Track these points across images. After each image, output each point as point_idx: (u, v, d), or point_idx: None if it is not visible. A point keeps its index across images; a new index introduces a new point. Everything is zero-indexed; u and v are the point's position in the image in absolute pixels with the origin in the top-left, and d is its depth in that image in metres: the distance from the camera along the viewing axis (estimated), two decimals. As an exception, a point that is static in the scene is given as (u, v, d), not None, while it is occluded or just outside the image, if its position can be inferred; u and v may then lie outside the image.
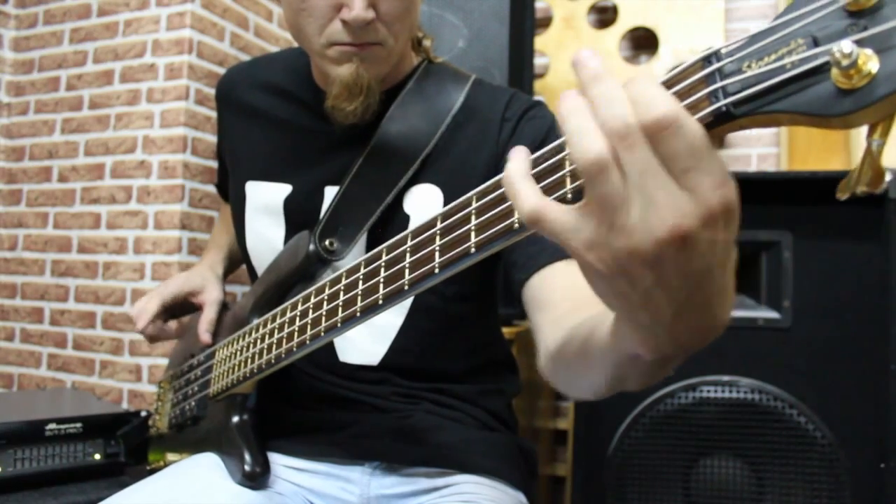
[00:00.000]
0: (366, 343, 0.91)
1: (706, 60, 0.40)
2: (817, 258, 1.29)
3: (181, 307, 1.06)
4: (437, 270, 0.55)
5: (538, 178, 0.46)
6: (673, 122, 0.36)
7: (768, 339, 1.30)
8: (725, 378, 1.30)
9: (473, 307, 0.93)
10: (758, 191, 1.33)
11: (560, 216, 0.41)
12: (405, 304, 0.90)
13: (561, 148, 0.46)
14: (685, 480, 1.31)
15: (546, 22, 2.17)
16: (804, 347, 1.28)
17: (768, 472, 1.28)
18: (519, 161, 0.44)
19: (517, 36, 1.60)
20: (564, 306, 0.70)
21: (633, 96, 0.37)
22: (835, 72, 0.35)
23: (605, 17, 2.20)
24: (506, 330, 1.09)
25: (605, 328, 0.52)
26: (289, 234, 0.93)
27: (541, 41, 2.12)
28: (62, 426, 1.14)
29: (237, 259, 1.15)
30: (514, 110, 0.90)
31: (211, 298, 1.03)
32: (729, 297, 0.43)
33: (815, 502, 1.25)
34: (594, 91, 0.39)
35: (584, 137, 0.38)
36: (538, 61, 2.10)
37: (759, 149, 2.09)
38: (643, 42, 2.17)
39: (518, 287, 0.82)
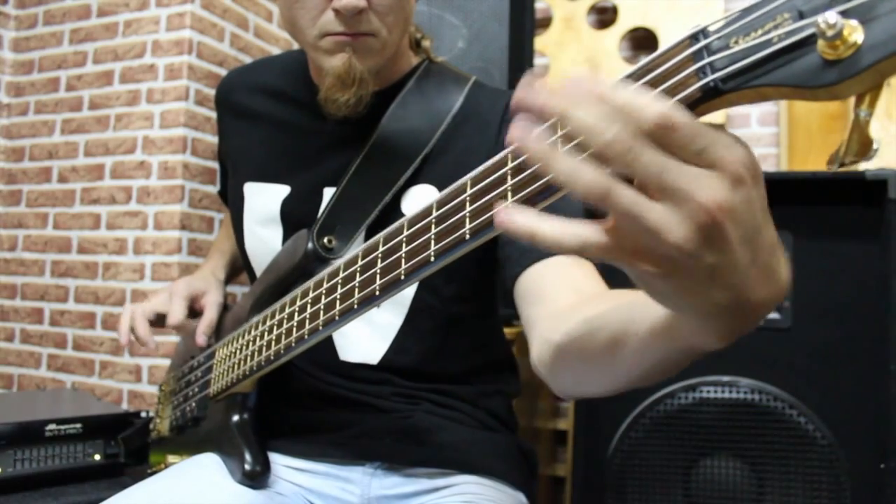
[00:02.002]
0: (366, 342, 0.91)
1: (693, 38, 0.41)
2: (817, 258, 1.29)
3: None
4: (432, 259, 0.55)
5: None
6: (669, 118, 0.37)
7: (768, 339, 1.30)
8: (725, 378, 1.30)
9: (473, 308, 0.93)
10: (758, 191, 1.33)
11: (599, 239, 0.40)
12: (404, 304, 0.90)
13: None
14: (685, 480, 1.31)
15: (546, 22, 2.17)
16: (804, 347, 1.28)
17: (768, 472, 1.27)
18: (522, 213, 0.42)
19: (517, 36, 1.60)
20: (566, 300, 0.69)
21: (620, 110, 0.38)
22: (820, 43, 0.36)
23: (605, 17, 2.20)
24: (506, 330, 1.09)
25: (649, 323, 0.50)
26: (286, 236, 0.93)
27: (541, 41, 2.12)
28: (62, 427, 1.13)
29: (239, 265, 1.15)
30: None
31: (211, 300, 1.03)
32: (782, 252, 0.43)
33: (815, 502, 1.25)
34: (577, 119, 0.38)
35: (580, 177, 0.38)
36: (538, 61, 2.11)
37: (760, 149, 2.09)
38: (643, 42, 2.17)
39: (511, 281, 0.80)
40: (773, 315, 1.30)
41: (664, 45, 0.43)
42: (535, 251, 0.78)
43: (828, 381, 1.27)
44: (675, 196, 0.37)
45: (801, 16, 0.37)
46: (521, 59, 1.62)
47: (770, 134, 2.08)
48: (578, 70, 0.41)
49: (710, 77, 0.39)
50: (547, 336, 0.66)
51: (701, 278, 0.40)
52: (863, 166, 1.56)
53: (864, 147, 0.38)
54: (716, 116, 2.03)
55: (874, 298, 1.26)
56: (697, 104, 0.40)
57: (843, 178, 1.30)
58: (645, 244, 0.39)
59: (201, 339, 0.98)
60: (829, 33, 0.35)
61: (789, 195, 1.30)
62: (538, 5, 2.05)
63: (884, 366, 1.24)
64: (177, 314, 0.99)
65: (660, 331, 0.49)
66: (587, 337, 0.60)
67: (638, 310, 0.52)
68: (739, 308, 0.42)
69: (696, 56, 0.40)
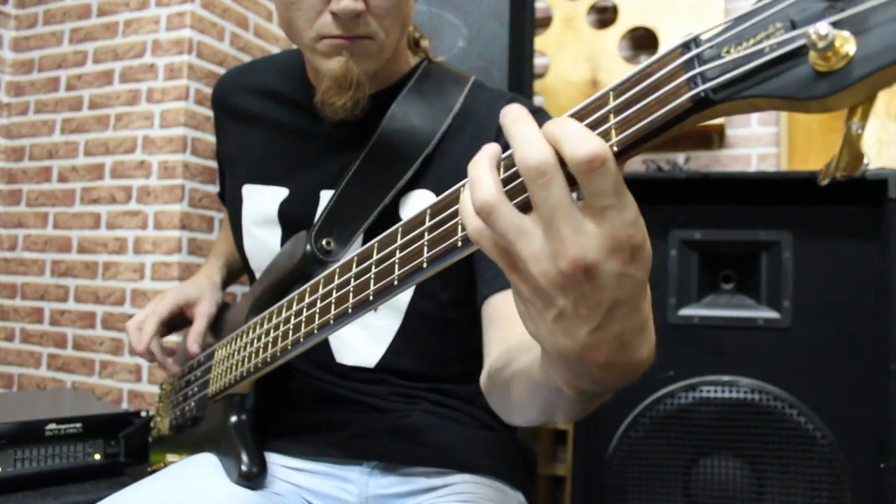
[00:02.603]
0: (362, 345, 0.91)
1: (685, 46, 0.40)
2: (817, 258, 1.29)
3: (179, 319, 1.06)
4: (425, 265, 0.55)
5: (515, 177, 0.46)
6: (604, 161, 0.38)
7: (768, 339, 1.30)
8: (725, 378, 1.30)
9: (469, 313, 0.93)
10: (758, 191, 1.33)
11: (512, 218, 0.42)
12: (401, 309, 0.90)
13: None
14: (685, 480, 1.31)
15: (546, 22, 2.17)
16: (804, 347, 1.28)
17: (768, 472, 1.27)
18: (491, 148, 0.46)
19: (517, 36, 1.60)
20: (515, 330, 0.70)
21: (562, 134, 0.39)
22: (812, 54, 0.35)
23: (605, 17, 2.20)
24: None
25: (535, 358, 0.54)
26: (285, 237, 0.93)
27: (541, 41, 2.12)
28: (62, 426, 1.14)
29: (237, 267, 1.15)
30: None
31: (201, 311, 1.03)
32: (645, 338, 0.45)
33: (815, 502, 1.25)
34: (513, 130, 0.41)
35: (475, 187, 0.43)
36: (538, 61, 2.10)
37: (759, 149, 2.09)
38: (643, 42, 2.17)
39: (480, 300, 0.82)
40: (773, 315, 1.30)
41: (663, 45, 0.43)
42: (503, 276, 0.78)
43: (828, 381, 1.27)
44: (555, 236, 0.40)
45: (794, 26, 0.36)
46: (521, 58, 1.62)
47: (770, 134, 2.08)
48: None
49: (702, 87, 0.39)
50: (490, 361, 0.71)
51: (550, 315, 0.43)
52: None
53: (856, 161, 0.38)
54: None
55: (874, 298, 1.26)
56: (689, 114, 0.40)
57: (842, 179, 1.29)
58: (519, 263, 0.43)
59: (193, 347, 0.99)
60: (821, 44, 0.34)
61: (789, 195, 1.30)
62: (538, 5, 2.04)
63: (884, 366, 1.24)
64: (142, 342, 0.99)
65: (538, 366, 0.53)
66: (504, 367, 0.64)
67: (534, 344, 0.54)
68: (580, 361, 0.44)
69: (688, 65, 0.40)
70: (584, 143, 0.38)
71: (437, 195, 0.89)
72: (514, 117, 0.42)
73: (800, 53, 0.36)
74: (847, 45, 0.34)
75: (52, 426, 1.13)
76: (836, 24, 0.34)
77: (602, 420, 1.35)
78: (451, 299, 0.90)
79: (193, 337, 1.00)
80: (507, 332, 0.72)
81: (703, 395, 1.30)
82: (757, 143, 2.09)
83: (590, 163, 0.38)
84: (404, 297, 0.89)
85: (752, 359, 1.30)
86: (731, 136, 2.11)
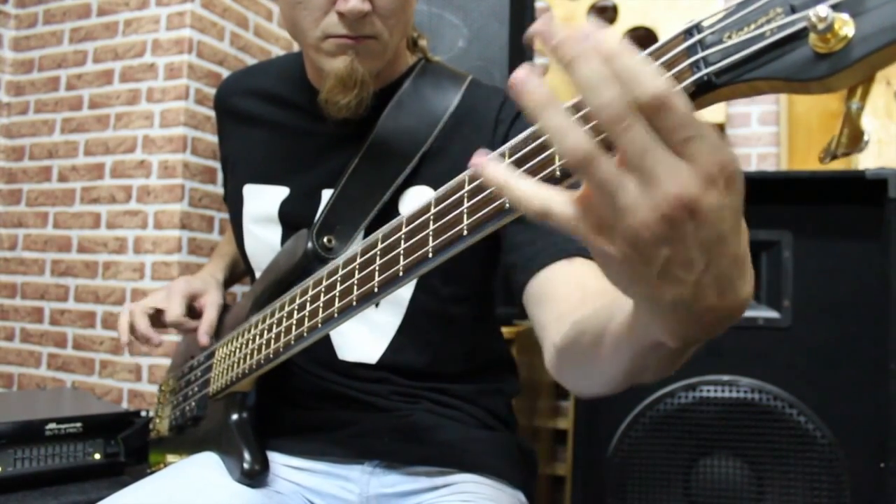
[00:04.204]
0: (364, 341, 0.91)
1: (688, 33, 0.41)
2: (817, 258, 1.29)
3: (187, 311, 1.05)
4: (430, 255, 0.55)
5: (524, 159, 0.47)
6: (666, 98, 0.36)
7: (768, 338, 1.30)
8: (725, 378, 1.30)
9: (470, 308, 0.93)
10: (758, 191, 1.32)
11: (565, 208, 0.40)
12: (402, 304, 0.90)
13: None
14: (685, 480, 1.31)
15: (546, 22, 2.17)
16: (804, 347, 1.28)
17: (768, 472, 1.27)
18: (496, 163, 0.44)
19: (517, 36, 1.60)
20: (570, 302, 0.69)
21: (621, 75, 0.37)
22: (812, 37, 0.36)
23: (604, 16, 2.20)
24: (506, 330, 1.09)
25: (621, 318, 0.51)
26: (285, 236, 0.94)
27: (541, 41, 2.12)
28: (62, 426, 1.13)
29: (240, 269, 1.15)
30: (508, 111, 0.90)
31: (210, 300, 1.02)
32: (747, 269, 0.42)
33: (815, 502, 1.25)
34: (581, 73, 0.38)
35: (567, 136, 0.38)
36: (538, 61, 2.10)
37: (759, 149, 2.09)
38: (643, 41, 2.15)
39: (519, 289, 0.80)
40: (773, 314, 1.30)
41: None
42: (539, 257, 0.78)
43: (828, 381, 1.27)
44: (649, 179, 0.37)
45: (793, 10, 0.38)
46: (521, 58, 1.62)
47: (770, 133, 2.08)
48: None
49: (704, 71, 0.40)
50: (552, 340, 0.67)
51: (653, 269, 0.39)
52: (862, 165, 1.55)
53: (856, 139, 0.39)
54: (716, 116, 2.02)
55: (874, 298, 1.26)
56: (692, 98, 0.41)
57: (843, 178, 1.30)
58: (608, 222, 0.39)
59: (204, 338, 0.98)
60: (821, 27, 0.35)
61: (789, 195, 1.30)
62: (538, 4, 2.04)
63: (883, 365, 1.24)
64: (174, 311, 0.98)
65: (626, 325, 0.49)
66: (577, 339, 0.61)
67: (615, 307, 0.52)
68: (687, 309, 0.42)
69: (691, 51, 0.41)
70: (647, 84, 0.36)
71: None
72: (577, 54, 0.39)
73: (800, 36, 0.37)
74: (846, 27, 0.36)
75: (52, 426, 1.12)
76: (834, 7, 0.36)
77: (602, 420, 1.35)
78: (453, 294, 0.90)
79: (205, 327, 0.98)
80: (560, 307, 0.69)
81: (703, 394, 1.30)
82: (757, 142, 2.09)
83: (656, 99, 0.36)
84: (405, 292, 0.89)
85: (752, 359, 1.30)
86: (731, 136, 2.11)
